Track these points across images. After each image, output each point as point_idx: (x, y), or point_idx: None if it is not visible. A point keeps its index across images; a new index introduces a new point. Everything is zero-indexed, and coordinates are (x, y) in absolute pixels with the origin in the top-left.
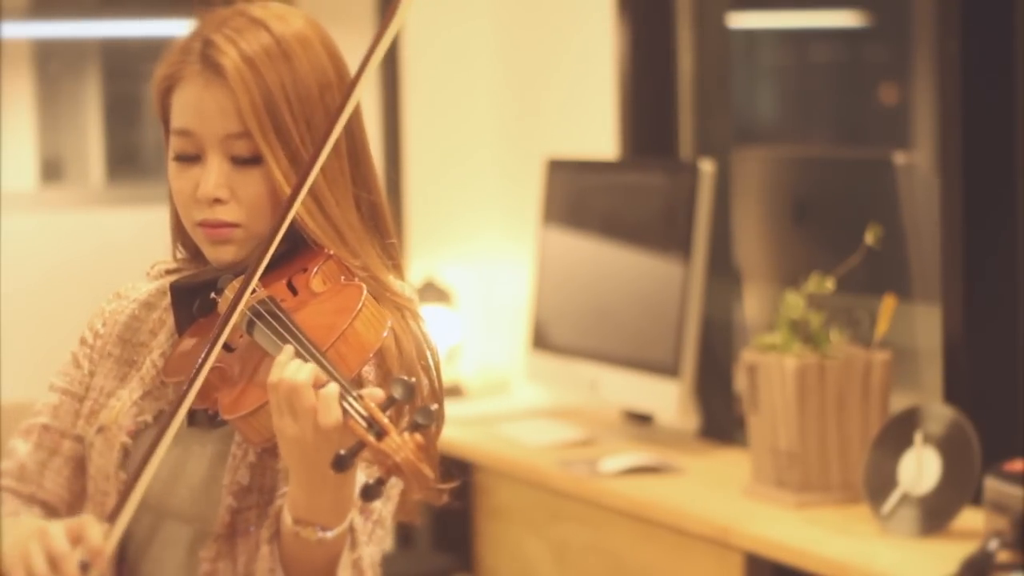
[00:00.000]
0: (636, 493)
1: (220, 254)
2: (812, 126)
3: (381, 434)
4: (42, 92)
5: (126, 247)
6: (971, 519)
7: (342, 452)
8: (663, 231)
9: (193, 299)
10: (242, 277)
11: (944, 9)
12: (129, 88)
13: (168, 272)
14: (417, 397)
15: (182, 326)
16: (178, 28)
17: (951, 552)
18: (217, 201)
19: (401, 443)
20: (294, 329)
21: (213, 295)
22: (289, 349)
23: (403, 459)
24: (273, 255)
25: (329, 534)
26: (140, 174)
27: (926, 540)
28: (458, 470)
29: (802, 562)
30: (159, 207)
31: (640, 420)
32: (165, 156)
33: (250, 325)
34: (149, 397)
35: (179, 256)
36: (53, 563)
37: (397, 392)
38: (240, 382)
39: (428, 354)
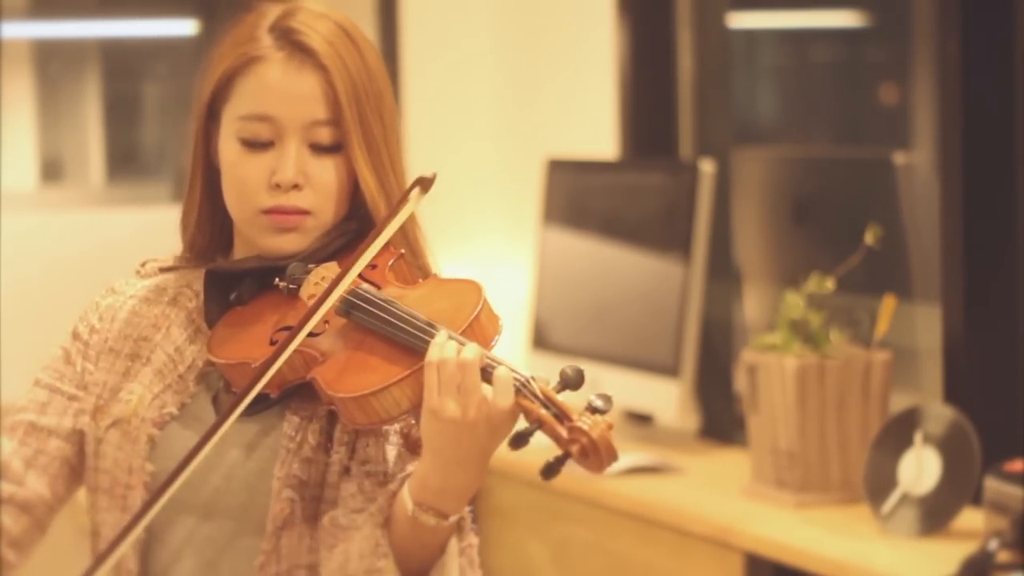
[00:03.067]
0: (636, 493)
1: (283, 242)
2: (812, 126)
3: (562, 416)
4: (42, 92)
5: (126, 247)
6: (971, 519)
7: (521, 430)
8: (663, 231)
9: (228, 287)
10: (326, 265)
11: (944, 9)
12: (129, 88)
13: (163, 270)
14: (585, 383)
15: (213, 314)
16: (178, 28)
17: (951, 552)
18: (295, 187)
19: (594, 421)
20: (411, 312)
21: (280, 283)
22: (444, 331)
23: (599, 435)
24: (331, 248)
25: (446, 521)
26: (140, 174)
27: (926, 540)
28: None
29: (802, 562)
30: (159, 207)
31: (640, 420)
32: (197, 146)
33: (349, 308)
34: (169, 390)
35: (185, 255)
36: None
37: (570, 375)
38: (342, 363)
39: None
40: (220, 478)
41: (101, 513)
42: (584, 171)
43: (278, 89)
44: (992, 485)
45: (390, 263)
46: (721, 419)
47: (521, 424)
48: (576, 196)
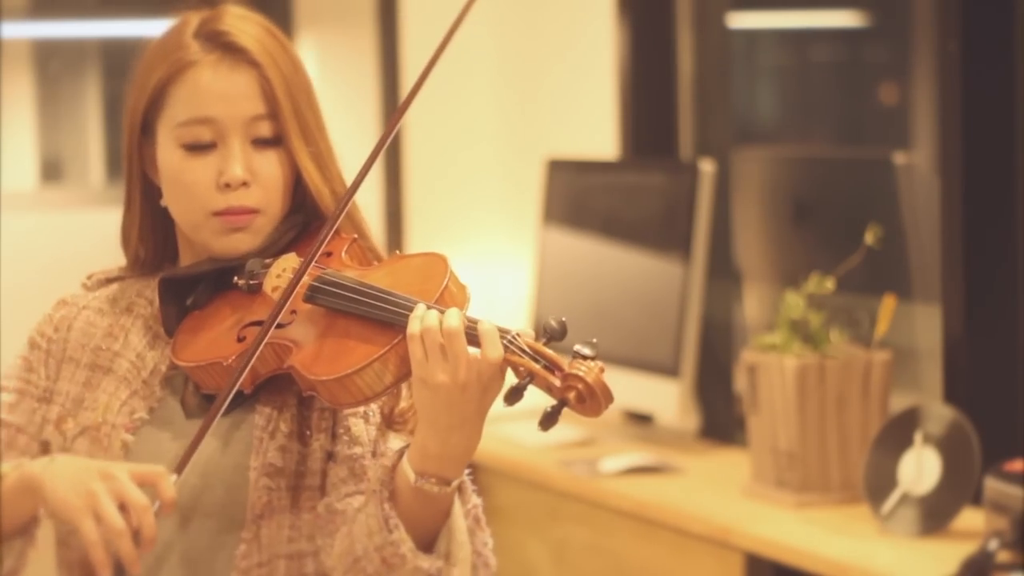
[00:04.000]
0: (636, 493)
1: (235, 242)
2: (812, 126)
3: (552, 366)
4: (42, 92)
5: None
6: (971, 519)
7: (514, 384)
8: (663, 231)
9: (183, 292)
10: (285, 256)
11: (944, 9)
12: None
13: (110, 280)
14: (568, 334)
15: (171, 320)
16: None
17: (951, 552)
18: (243, 184)
19: (587, 367)
20: (379, 288)
21: (239, 280)
22: (421, 303)
23: (594, 379)
24: (283, 241)
25: (448, 487)
26: None
27: (926, 540)
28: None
29: (802, 562)
30: None
31: (640, 420)
32: (131, 162)
33: (314, 294)
34: (136, 396)
35: (122, 267)
36: (126, 511)
37: (553, 324)
38: (316, 348)
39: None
40: (197, 477)
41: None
42: (584, 171)
43: (214, 90)
44: (992, 485)
45: (344, 249)
46: (721, 419)
47: (512, 381)
48: (576, 196)
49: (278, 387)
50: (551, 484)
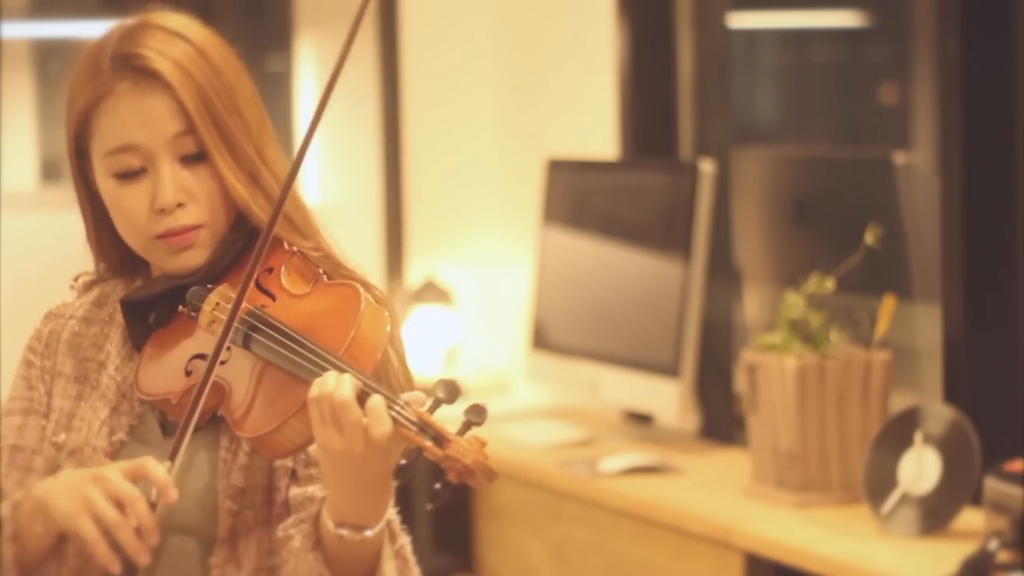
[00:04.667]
0: (636, 493)
1: (185, 261)
2: (812, 126)
3: (439, 439)
4: (42, 92)
5: None
6: (971, 519)
7: (403, 462)
8: (663, 231)
9: (147, 312)
10: (218, 289)
11: (944, 9)
12: None
13: (93, 284)
14: (460, 395)
15: (138, 339)
16: None
17: (951, 552)
18: (179, 206)
19: (467, 446)
20: (300, 339)
21: (184, 309)
22: (332, 374)
23: (473, 461)
24: (228, 259)
25: (370, 532)
26: None
27: (926, 540)
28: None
29: (802, 562)
30: None
31: (640, 420)
32: (76, 184)
33: (247, 339)
34: (116, 413)
35: (102, 267)
36: (122, 506)
37: (441, 393)
38: (244, 397)
39: (387, 324)
40: (180, 499)
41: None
42: (584, 171)
43: (131, 117)
44: (992, 485)
45: (284, 265)
46: (721, 419)
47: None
48: (576, 196)
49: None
50: (551, 484)
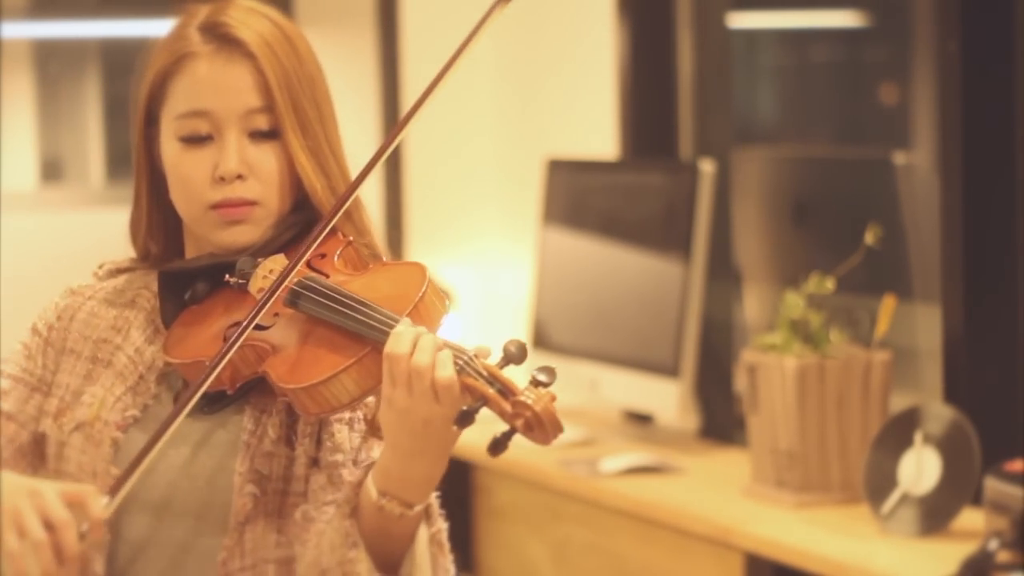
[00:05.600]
0: (636, 493)
1: (235, 235)
2: (812, 126)
3: (506, 391)
4: (42, 92)
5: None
6: (971, 519)
7: (465, 408)
8: (663, 231)
9: (182, 287)
10: (274, 257)
11: (944, 9)
12: (129, 88)
13: (120, 271)
14: (528, 357)
15: (169, 314)
16: None
17: (951, 552)
18: (239, 177)
19: (538, 395)
20: (360, 299)
21: (231, 278)
22: (407, 320)
23: (543, 408)
24: (282, 240)
25: (412, 509)
26: None
27: (926, 540)
28: (458, 470)
29: (802, 562)
30: None
31: (640, 420)
32: (139, 154)
33: (295, 298)
34: (131, 392)
35: (134, 258)
36: (51, 528)
37: (513, 349)
38: (291, 355)
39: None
40: (180, 475)
41: None
42: (584, 171)
43: (210, 82)
44: (992, 485)
45: (338, 251)
46: (721, 419)
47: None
48: (576, 196)
49: (267, 389)
50: (551, 484)
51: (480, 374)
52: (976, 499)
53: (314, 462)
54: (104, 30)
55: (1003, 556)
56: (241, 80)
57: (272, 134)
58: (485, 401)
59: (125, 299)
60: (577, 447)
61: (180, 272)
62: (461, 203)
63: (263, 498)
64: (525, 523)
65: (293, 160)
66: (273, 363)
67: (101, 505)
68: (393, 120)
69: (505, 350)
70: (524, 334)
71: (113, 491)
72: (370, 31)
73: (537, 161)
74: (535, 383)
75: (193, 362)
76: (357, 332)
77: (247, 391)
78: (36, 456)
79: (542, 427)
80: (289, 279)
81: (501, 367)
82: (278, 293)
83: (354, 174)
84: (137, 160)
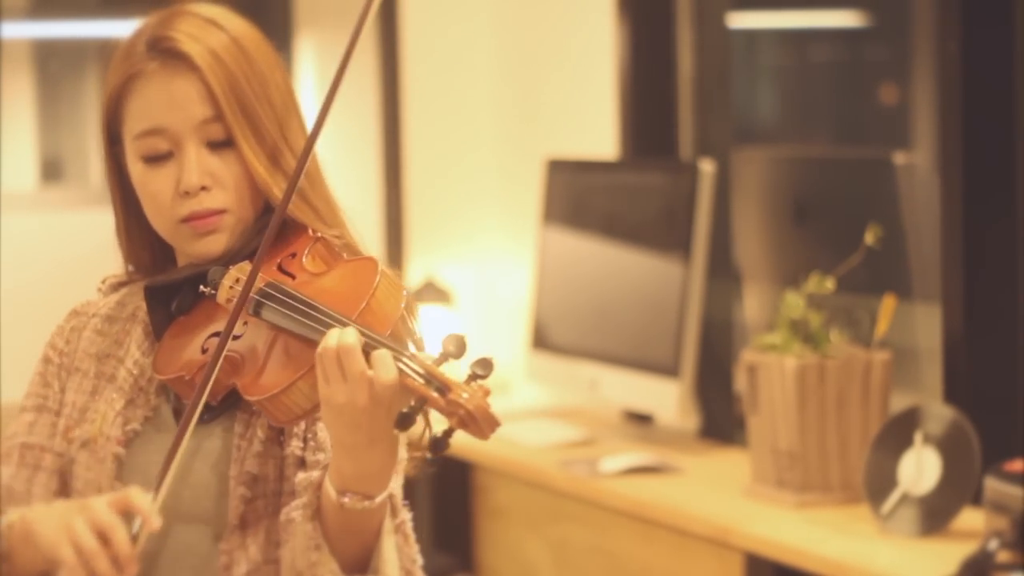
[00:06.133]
0: (636, 493)
1: (209, 245)
2: (812, 126)
3: (443, 389)
4: (42, 92)
5: None
6: (971, 519)
7: (405, 410)
8: (663, 231)
9: (169, 299)
10: (239, 265)
11: (944, 9)
12: None
13: (120, 285)
14: (467, 350)
15: (160, 327)
16: None
17: (951, 552)
18: (203, 189)
19: (471, 392)
20: (312, 303)
21: (204, 289)
22: (336, 328)
23: (476, 406)
24: (254, 246)
25: (373, 502)
26: None
27: (926, 540)
28: (458, 470)
29: (802, 562)
30: None
31: (640, 420)
32: (109, 171)
33: (258, 307)
34: (132, 406)
35: (130, 269)
36: (103, 536)
37: (450, 347)
38: (257, 364)
39: (403, 299)
40: (180, 486)
41: None
42: (584, 171)
43: (159, 100)
44: (992, 485)
45: (307, 249)
46: (721, 419)
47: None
48: (576, 196)
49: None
50: (551, 484)
51: (418, 372)
52: (976, 499)
53: (301, 461)
54: (104, 30)
55: (1003, 556)
56: (189, 93)
57: (230, 142)
58: (424, 400)
59: (126, 313)
60: (577, 447)
61: (163, 286)
62: (461, 203)
63: (261, 500)
64: (525, 523)
65: (248, 166)
66: (241, 375)
67: (147, 500)
68: (393, 120)
69: (443, 346)
70: (524, 334)
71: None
72: (370, 31)
73: (537, 161)
74: (472, 377)
75: (176, 377)
76: (312, 339)
77: (238, 397)
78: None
79: (476, 424)
80: (251, 289)
81: (439, 364)
82: (244, 302)
83: (349, 168)
84: (108, 177)
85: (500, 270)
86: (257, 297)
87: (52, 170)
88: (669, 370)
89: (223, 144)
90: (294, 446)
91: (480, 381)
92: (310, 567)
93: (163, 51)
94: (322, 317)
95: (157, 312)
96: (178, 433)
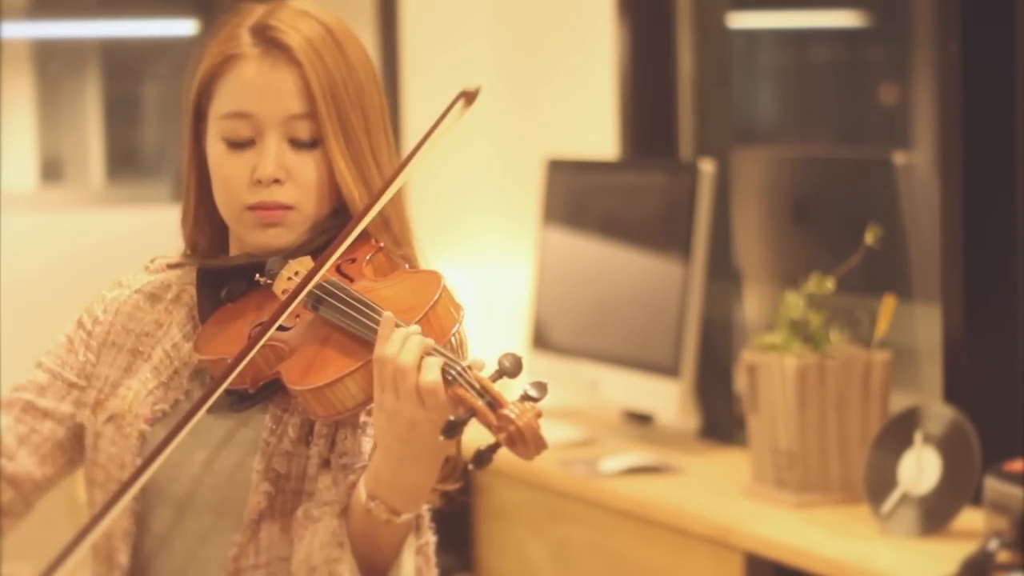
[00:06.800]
0: (636, 493)
1: (270, 238)
2: (812, 126)
3: (495, 403)
4: (42, 92)
5: (126, 247)
6: (971, 519)
7: (453, 418)
8: (663, 231)
9: (220, 284)
10: (300, 259)
11: (944, 9)
12: (129, 88)
13: (171, 267)
14: (523, 371)
15: (205, 311)
16: (178, 28)
17: (951, 552)
18: (276, 181)
19: (522, 409)
20: (372, 305)
21: (260, 278)
22: (390, 321)
23: (525, 424)
24: (318, 243)
25: (399, 519)
26: (140, 174)
27: (926, 540)
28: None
29: (802, 562)
30: (159, 207)
31: (640, 420)
32: (189, 148)
33: (317, 302)
34: (163, 387)
35: (187, 252)
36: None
37: (507, 363)
38: (306, 357)
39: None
40: (203, 471)
41: (96, 507)
42: (584, 171)
43: (254, 85)
44: (992, 485)
45: (368, 257)
46: (721, 419)
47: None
48: (576, 196)
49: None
50: (551, 484)
51: (472, 385)
52: (976, 499)
53: (325, 463)
54: (104, 30)
55: (1003, 556)
56: (285, 85)
57: (313, 142)
58: (473, 412)
59: (171, 294)
60: (577, 447)
61: (218, 270)
62: (461, 203)
63: (280, 497)
64: (525, 523)
65: (333, 168)
66: (287, 364)
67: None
68: (393, 120)
69: (500, 363)
70: (524, 334)
71: (126, 486)
72: (370, 31)
73: (537, 161)
74: (525, 397)
75: (218, 359)
76: (367, 338)
77: (273, 391)
78: (76, 450)
79: (524, 442)
80: (311, 283)
81: (495, 380)
82: (302, 295)
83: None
84: (188, 155)
85: (500, 270)
86: (318, 292)
87: (52, 170)
88: (669, 370)
89: (305, 144)
90: (321, 447)
91: (532, 403)
92: (328, 563)
93: (267, 39)
94: (377, 320)
95: (205, 295)
96: (191, 409)
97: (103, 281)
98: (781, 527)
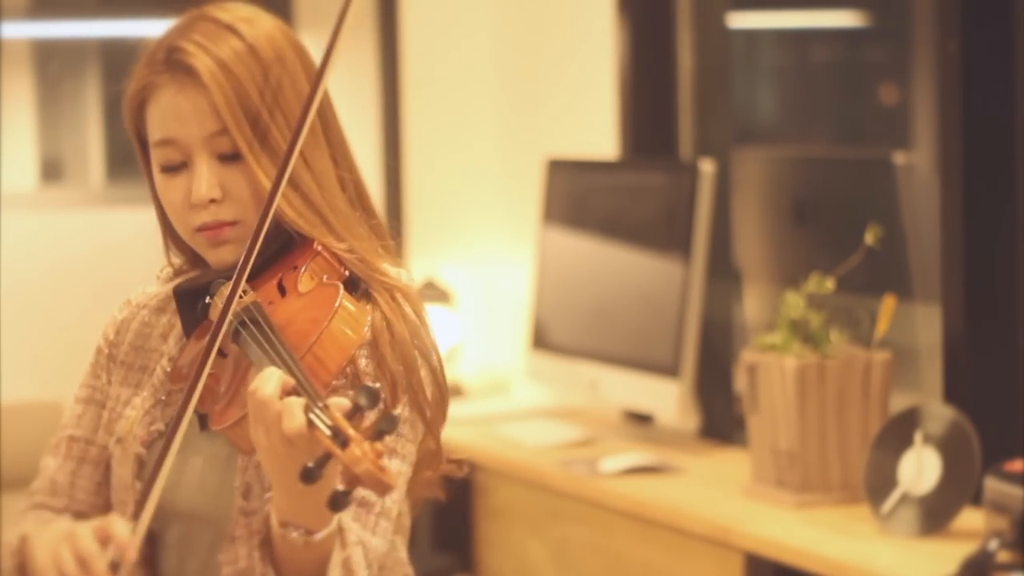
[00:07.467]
0: (636, 493)
1: (221, 255)
2: (812, 126)
3: (346, 444)
4: (42, 92)
5: (126, 247)
6: (971, 519)
7: (310, 464)
8: (663, 231)
9: (196, 302)
10: (228, 283)
11: (944, 9)
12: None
13: (177, 274)
14: (380, 403)
15: (189, 328)
16: None
17: (951, 552)
18: (212, 201)
19: (361, 454)
20: (273, 337)
21: (207, 299)
22: (270, 367)
23: (363, 471)
24: (267, 254)
25: (315, 537)
26: (140, 174)
27: (926, 540)
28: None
29: (802, 562)
30: None
31: (640, 420)
32: (146, 173)
33: (236, 334)
34: (160, 404)
35: (176, 261)
36: (83, 564)
37: (362, 400)
38: (228, 392)
39: (424, 334)
40: (196, 490)
41: None
42: (584, 171)
43: (171, 111)
44: (992, 485)
45: (308, 263)
46: (721, 419)
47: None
48: (576, 196)
49: None
50: (551, 484)
51: (327, 425)
52: (976, 499)
53: None
54: (104, 30)
55: (1003, 556)
56: (197, 107)
57: (240, 155)
58: (328, 454)
59: (174, 306)
60: (577, 447)
61: (188, 290)
62: (461, 203)
63: (259, 514)
64: (525, 523)
65: (255, 181)
66: (213, 403)
67: (127, 530)
68: (393, 120)
69: (356, 399)
70: (524, 334)
71: (136, 514)
72: (370, 31)
73: (537, 161)
74: (379, 433)
75: (181, 389)
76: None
77: None
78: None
79: (365, 486)
80: (231, 311)
81: (351, 417)
82: (226, 327)
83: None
84: (148, 180)
85: (500, 270)
86: (236, 323)
87: (52, 170)
88: (669, 370)
89: (234, 157)
90: None
91: (384, 437)
92: None
93: (173, 63)
94: (273, 354)
95: (187, 313)
96: (160, 453)
97: (103, 281)
98: (781, 527)
